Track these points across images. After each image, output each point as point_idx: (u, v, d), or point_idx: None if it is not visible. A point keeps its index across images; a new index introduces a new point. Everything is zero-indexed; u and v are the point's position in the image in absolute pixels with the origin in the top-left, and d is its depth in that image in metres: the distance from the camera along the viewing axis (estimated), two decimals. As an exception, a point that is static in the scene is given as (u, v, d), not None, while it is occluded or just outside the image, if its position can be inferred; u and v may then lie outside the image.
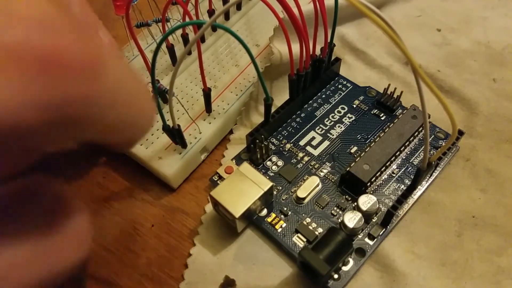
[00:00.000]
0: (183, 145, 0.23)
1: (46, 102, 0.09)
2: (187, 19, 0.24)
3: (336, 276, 0.20)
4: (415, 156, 0.24)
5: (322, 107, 0.26)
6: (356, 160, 0.22)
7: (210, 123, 0.25)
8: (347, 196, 0.22)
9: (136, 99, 0.12)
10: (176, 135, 0.22)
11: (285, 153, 0.24)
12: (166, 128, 0.22)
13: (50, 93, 0.09)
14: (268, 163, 0.24)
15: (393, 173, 0.23)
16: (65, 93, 0.09)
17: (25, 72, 0.08)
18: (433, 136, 0.24)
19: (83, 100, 0.09)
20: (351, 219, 0.21)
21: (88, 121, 0.10)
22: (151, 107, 0.13)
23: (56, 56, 0.09)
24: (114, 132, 0.12)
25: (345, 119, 0.26)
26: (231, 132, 0.26)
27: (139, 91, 0.12)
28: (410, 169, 0.23)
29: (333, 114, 0.26)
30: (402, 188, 0.23)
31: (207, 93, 0.23)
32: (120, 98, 0.11)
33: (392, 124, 0.23)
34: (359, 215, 0.21)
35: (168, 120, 0.22)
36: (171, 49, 0.26)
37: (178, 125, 0.22)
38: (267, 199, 0.21)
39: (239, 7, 0.31)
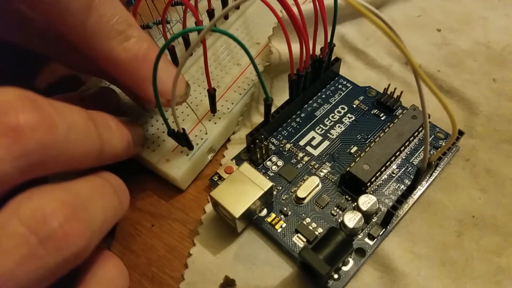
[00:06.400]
0: (190, 147, 0.23)
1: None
2: (189, 19, 0.24)
3: (336, 276, 0.20)
4: (415, 156, 0.24)
5: (322, 107, 0.26)
6: (356, 160, 0.22)
7: (215, 123, 0.25)
8: (347, 196, 0.22)
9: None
10: (182, 139, 0.22)
11: (285, 153, 0.24)
12: (171, 133, 0.22)
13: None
14: (268, 163, 0.24)
15: (393, 173, 0.23)
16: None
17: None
18: (433, 136, 0.24)
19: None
20: (351, 219, 0.21)
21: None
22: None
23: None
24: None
25: (345, 119, 0.26)
26: (233, 132, 0.26)
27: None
28: (410, 169, 0.23)
29: (333, 114, 0.26)
30: (402, 188, 0.23)
31: (212, 93, 0.23)
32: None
33: (392, 124, 0.23)
34: (359, 215, 0.21)
35: (172, 122, 0.22)
36: (172, 51, 0.26)
37: (183, 129, 0.22)
38: (267, 199, 0.21)
39: (237, 6, 0.30)
